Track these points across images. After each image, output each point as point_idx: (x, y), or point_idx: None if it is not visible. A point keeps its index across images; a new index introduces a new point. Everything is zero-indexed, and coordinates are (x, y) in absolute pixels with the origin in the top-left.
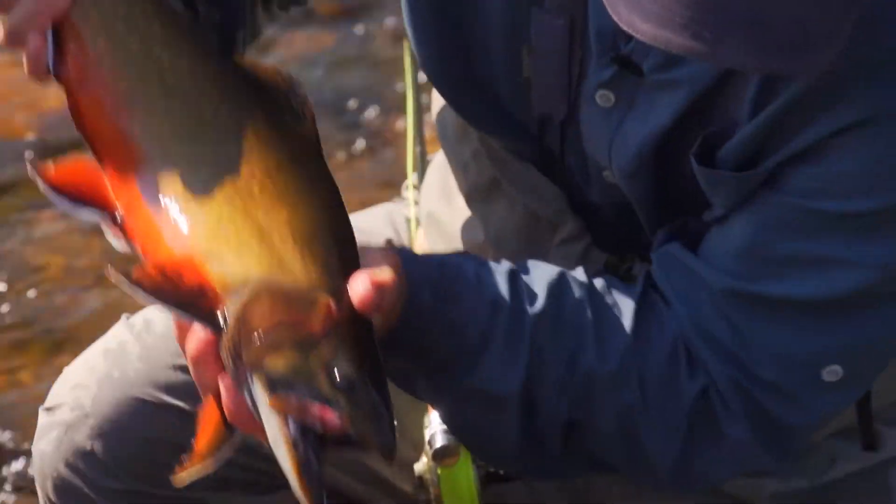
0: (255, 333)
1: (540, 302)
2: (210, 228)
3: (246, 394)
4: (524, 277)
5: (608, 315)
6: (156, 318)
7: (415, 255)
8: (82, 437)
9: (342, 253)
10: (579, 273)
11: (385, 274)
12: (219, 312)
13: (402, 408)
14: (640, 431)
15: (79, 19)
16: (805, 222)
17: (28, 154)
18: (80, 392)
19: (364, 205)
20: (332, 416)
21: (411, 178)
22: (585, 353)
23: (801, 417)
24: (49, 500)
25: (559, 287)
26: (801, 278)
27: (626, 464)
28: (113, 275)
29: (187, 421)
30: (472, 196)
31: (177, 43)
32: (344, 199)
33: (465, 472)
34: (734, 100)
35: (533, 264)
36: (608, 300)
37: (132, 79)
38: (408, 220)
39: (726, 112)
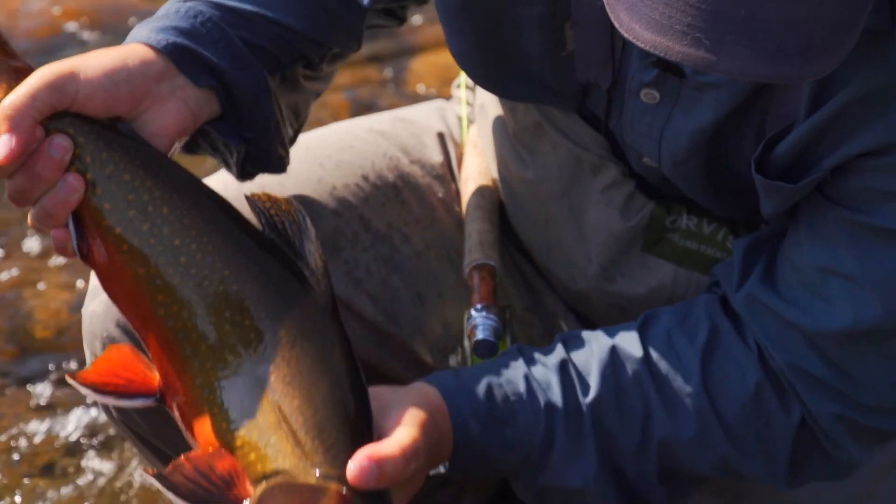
0: None
1: (594, 389)
2: (233, 418)
3: None
4: (576, 365)
5: (672, 382)
6: None
7: (459, 385)
8: None
9: (355, 430)
10: (632, 343)
11: (387, 448)
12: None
13: (447, 293)
14: (741, 470)
15: (93, 209)
16: (872, 240)
17: (66, 366)
18: None
19: (415, 100)
20: None
21: (463, 76)
22: (658, 424)
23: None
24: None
25: (612, 367)
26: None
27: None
28: (149, 478)
29: None
30: (519, 135)
31: (185, 225)
32: (395, 96)
33: None
34: (789, 96)
35: (585, 340)
36: (669, 365)
37: (150, 263)
38: (459, 119)
39: (781, 108)
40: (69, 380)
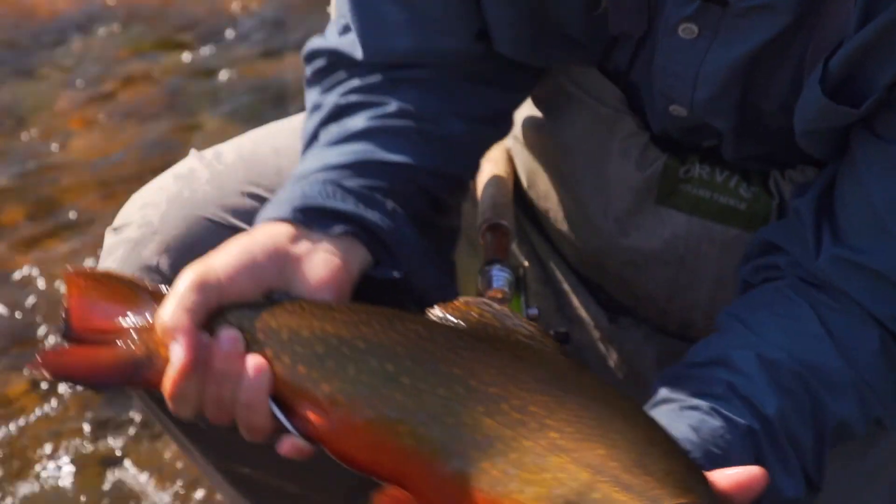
0: None
1: (773, 401)
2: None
3: None
4: (744, 388)
5: (820, 366)
6: (225, 150)
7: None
8: (149, 253)
9: (669, 452)
10: (757, 345)
11: (745, 476)
12: None
13: (460, 262)
14: (890, 425)
15: (289, 380)
16: None
17: None
18: (149, 210)
19: None
20: None
21: None
22: (828, 412)
23: None
24: None
25: (775, 373)
26: None
27: None
28: None
29: None
30: (538, 96)
31: (388, 347)
32: None
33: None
34: (836, 18)
35: (741, 365)
36: (806, 348)
37: (374, 402)
38: None
39: (827, 33)
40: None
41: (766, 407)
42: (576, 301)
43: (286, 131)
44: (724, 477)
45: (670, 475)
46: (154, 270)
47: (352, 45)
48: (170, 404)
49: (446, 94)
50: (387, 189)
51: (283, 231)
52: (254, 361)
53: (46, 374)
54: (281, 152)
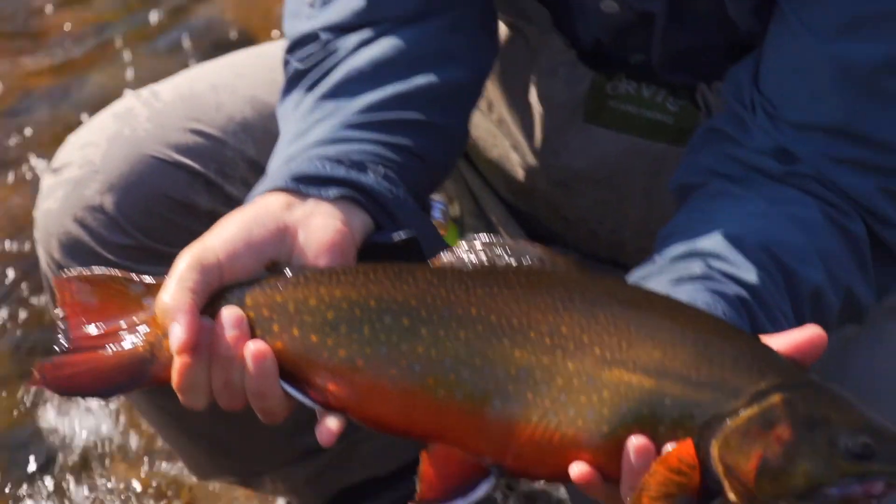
0: (755, 472)
1: (752, 273)
2: (610, 418)
3: None
4: (721, 266)
5: (784, 240)
6: (161, 89)
7: None
8: (91, 192)
9: (728, 337)
10: (732, 230)
11: (806, 334)
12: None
13: None
14: (862, 299)
15: (303, 354)
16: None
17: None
18: (90, 150)
19: None
20: (876, 486)
21: None
22: (800, 277)
23: None
24: (52, 260)
25: (743, 250)
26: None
27: None
28: None
29: (197, 181)
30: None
31: (401, 302)
32: None
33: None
34: None
35: (711, 249)
36: (770, 224)
37: (395, 359)
38: None
39: None
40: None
41: (747, 278)
42: (505, 234)
43: (222, 68)
44: (786, 342)
45: (739, 360)
46: (98, 210)
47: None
48: (181, 397)
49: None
50: (377, 155)
51: (277, 201)
52: (254, 347)
53: (49, 389)
54: (219, 88)
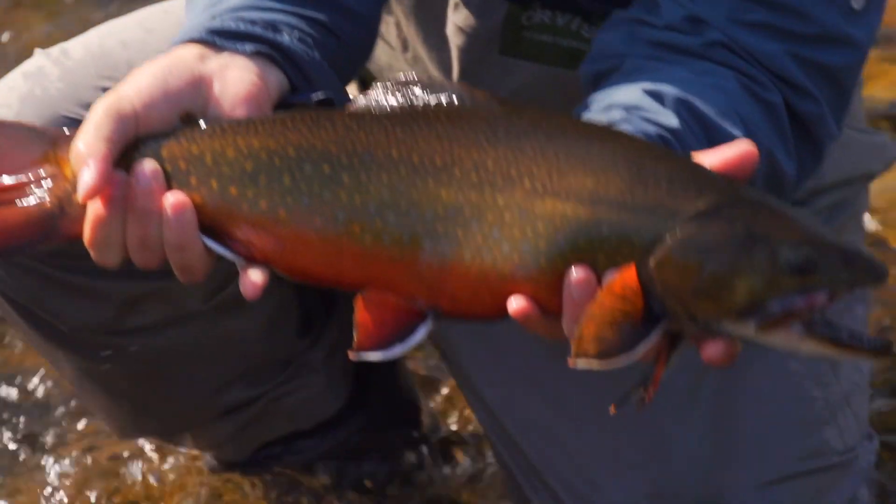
0: (695, 291)
1: (673, 119)
2: (547, 249)
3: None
4: (641, 113)
5: (703, 97)
6: (71, 46)
7: None
8: None
9: (662, 158)
10: (651, 86)
11: (738, 150)
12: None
13: None
14: (786, 174)
15: (223, 207)
16: None
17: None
18: (2, 111)
19: None
20: (818, 297)
21: None
22: (721, 132)
23: (850, 55)
24: None
25: (663, 101)
26: None
27: None
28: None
29: None
30: None
31: (322, 150)
32: None
33: None
34: None
35: (631, 100)
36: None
37: (319, 207)
38: None
39: None
40: (353, 354)
41: (668, 123)
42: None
43: (132, 25)
44: (718, 158)
45: (675, 181)
46: None
47: None
48: (93, 254)
49: None
50: (292, 24)
51: (193, 52)
52: (173, 198)
53: None
54: (129, 45)
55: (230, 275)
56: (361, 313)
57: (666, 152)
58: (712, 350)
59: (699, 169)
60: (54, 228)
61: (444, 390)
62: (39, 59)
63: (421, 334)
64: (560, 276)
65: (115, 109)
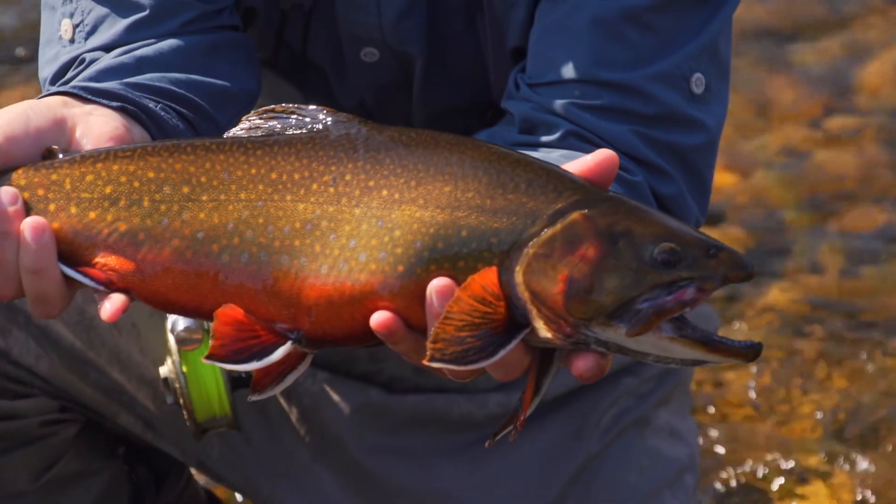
0: (562, 293)
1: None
2: (411, 259)
3: (595, 347)
4: None
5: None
6: None
7: None
8: None
9: (521, 165)
10: None
11: (597, 157)
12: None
13: (142, 324)
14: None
15: (82, 231)
16: None
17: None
18: None
19: None
20: (687, 292)
21: None
22: None
23: (696, 135)
24: None
25: None
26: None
27: None
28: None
29: None
30: None
31: (179, 171)
32: None
33: (212, 371)
34: None
35: None
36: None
37: (179, 228)
38: None
39: None
40: (206, 361)
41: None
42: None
43: None
44: (577, 166)
45: (534, 183)
46: None
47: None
48: None
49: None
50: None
51: (57, 100)
52: (31, 222)
53: None
54: None
55: (59, 452)
56: (218, 325)
57: (525, 158)
58: (582, 364)
59: (558, 172)
60: None
61: None
62: None
63: (279, 354)
64: (422, 285)
65: None
